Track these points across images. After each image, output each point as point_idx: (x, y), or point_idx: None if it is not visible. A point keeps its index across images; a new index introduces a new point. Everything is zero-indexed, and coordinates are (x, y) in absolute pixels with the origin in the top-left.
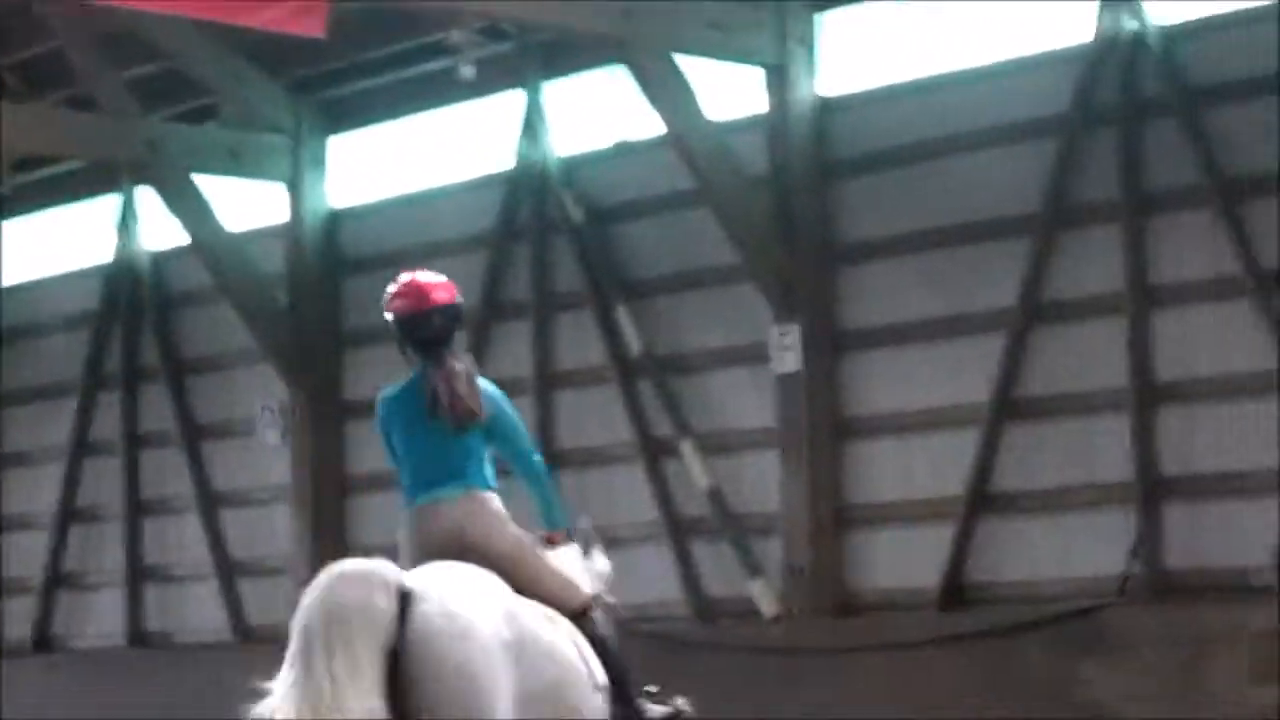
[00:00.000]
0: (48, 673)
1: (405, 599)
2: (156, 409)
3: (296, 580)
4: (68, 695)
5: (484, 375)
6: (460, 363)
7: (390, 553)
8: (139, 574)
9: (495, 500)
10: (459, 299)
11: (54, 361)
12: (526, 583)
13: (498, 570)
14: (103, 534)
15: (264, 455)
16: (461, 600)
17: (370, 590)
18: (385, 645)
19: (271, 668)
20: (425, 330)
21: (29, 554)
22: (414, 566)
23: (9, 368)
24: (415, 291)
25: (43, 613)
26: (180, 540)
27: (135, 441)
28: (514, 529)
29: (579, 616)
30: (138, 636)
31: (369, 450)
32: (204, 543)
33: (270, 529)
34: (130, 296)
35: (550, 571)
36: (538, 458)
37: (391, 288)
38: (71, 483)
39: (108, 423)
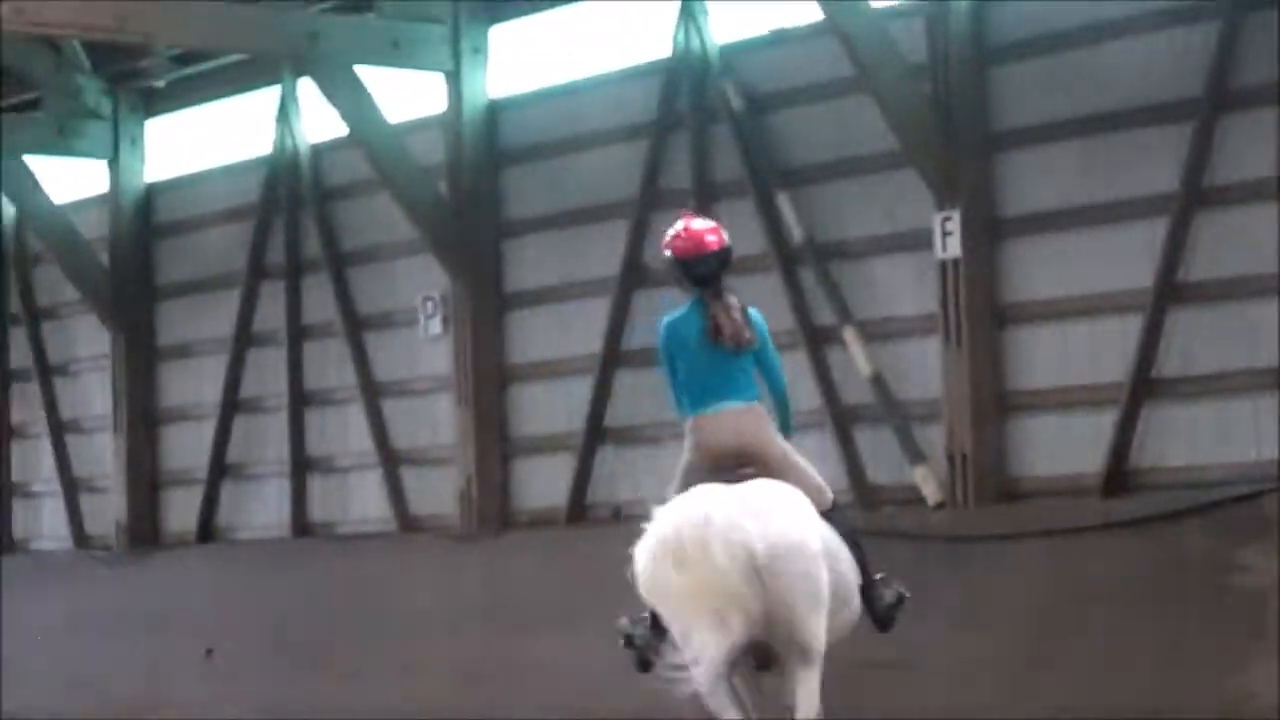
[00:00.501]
0: (212, 563)
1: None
2: (318, 300)
3: (459, 470)
4: (232, 586)
5: (645, 266)
6: (734, 296)
7: (546, 441)
8: (302, 465)
9: (765, 413)
10: (729, 242)
11: (215, 254)
12: (792, 483)
13: (770, 471)
14: (266, 425)
15: (425, 346)
16: (784, 510)
17: (732, 512)
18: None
19: (432, 557)
20: (703, 269)
21: (193, 446)
22: (699, 466)
23: (171, 261)
24: (695, 236)
25: (207, 504)
26: (343, 431)
27: (298, 333)
28: (780, 438)
29: (828, 513)
30: (301, 527)
31: (529, 341)
32: (366, 433)
33: (431, 419)
34: (291, 189)
35: (808, 474)
36: (785, 378)
37: (671, 231)
38: (235, 375)
39: (270, 314)
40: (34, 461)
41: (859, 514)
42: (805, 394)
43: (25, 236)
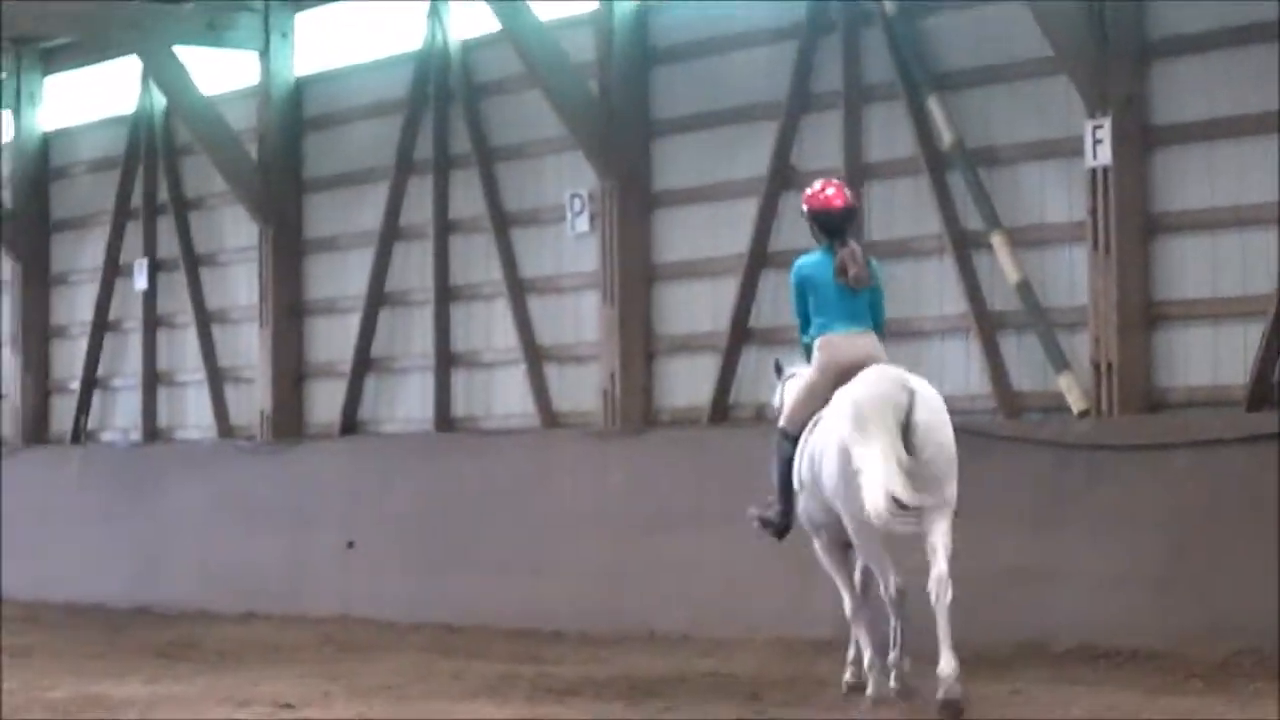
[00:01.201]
0: (354, 456)
1: (911, 393)
2: (466, 195)
3: (603, 368)
4: (373, 479)
5: (793, 168)
6: (858, 246)
7: (691, 340)
8: (446, 360)
9: (878, 338)
10: (854, 202)
11: (364, 148)
12: None
13: None
14: (411, 320)
15: (572, 243)
16: (931, 391)
17: (898, 388)
18: (902, 420)
19: (574, 454)
20: (835, 223)
21: (338, 339)
22: (830, 374)
23: (319, 154)
24: (828, 198)
25: (351, 397)
26: (487, 326)
27: (445, 227)
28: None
29: None
30: (444, 422)
31: (675, 240)
32: (511, 329)
33: (576, 317)
34: (440, 84)
35: None
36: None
37: (808, 191)
38: (381, 268)
39: (418, 209)
40: (180, 352)
41: (1003, 421)
42: (951, 300)
43: (175, 128)
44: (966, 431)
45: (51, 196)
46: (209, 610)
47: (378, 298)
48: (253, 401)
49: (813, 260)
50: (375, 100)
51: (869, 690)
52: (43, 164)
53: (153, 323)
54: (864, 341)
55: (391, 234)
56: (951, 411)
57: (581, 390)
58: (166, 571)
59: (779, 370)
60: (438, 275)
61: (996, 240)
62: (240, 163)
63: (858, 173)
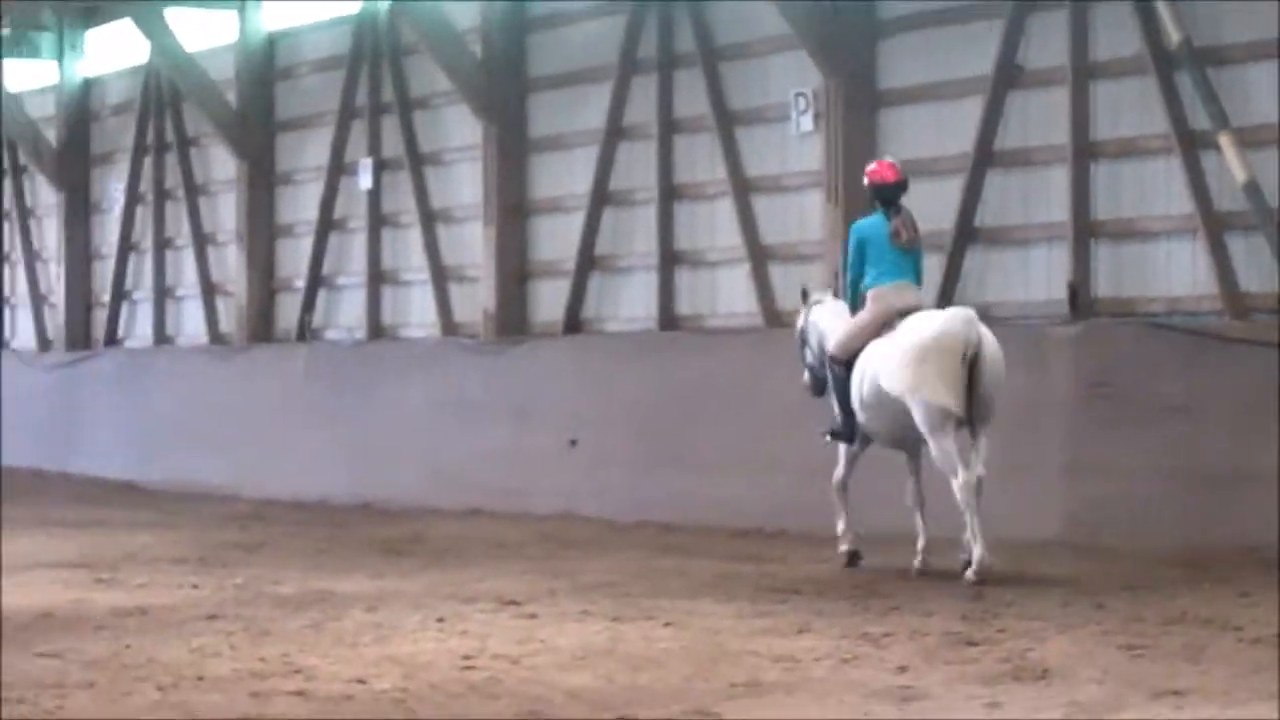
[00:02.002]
0: (577, 354)
1: (979, 334)
2: (690, 94)
3: (828, 267)
4: (596, 377)
5: (1019, 67)
6: (908, 212)
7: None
8: (670, 258)
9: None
10: (905, 176)
11: (588, 47)
12: None
13: None
14: (634, 218)
15: (796, 142)
16: (990, 333)
17: (970, 326)
18: (969, 355)
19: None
20: (890, 194)
21: (561, 237)
22: (879, 318)
23: (543, 53)
24: (884, 173)
25: (575, 296)
26: (711, 225)
27: (669, 127)
28: None
29: None
30: (668, 320)
31: (900, 139)
32: (735, 228)
33: (800, 216)
34: None
35: None
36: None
37: (869, 167)
38: (605, 167)
39: (641, 108)
40: (404, 250)
41: (1229, 321)
42: (1177, 200)
43: (399, 27)
44: (1192, 333)
45: (277, 97)
46: (432, 507)
47: (601, 197)
48: (476, 300)
49: (871, 223)
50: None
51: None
52: (268, 64)
53: (377, 221)
54: (910, 293)
55: (615, 133)
56: (1179, 313)
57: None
58: (390, 469)
59: (805, 296)
60: (661, 174)
61: (1224, 140)
62: (464, 62)
63: (1083, 71)
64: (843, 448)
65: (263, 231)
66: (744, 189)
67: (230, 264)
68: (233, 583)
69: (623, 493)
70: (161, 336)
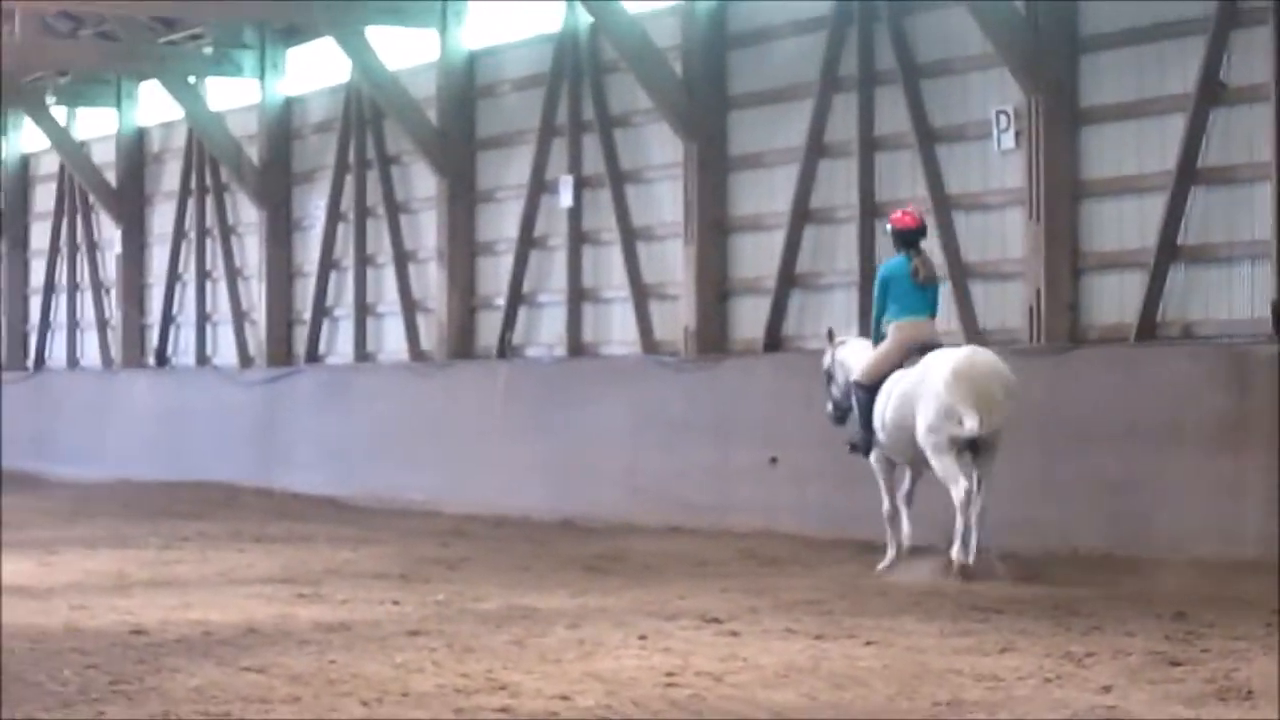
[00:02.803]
0: (777, 372)
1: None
2: (890, 112)
3: (1029, 285)
4: (796, 394)
5: (1222, 84)
6: (925, 254)
7: (1118, 257)
8: (870, 276)
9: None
10: (924, 222)
11: (788, 64)
12: None
13: None
14: (835, 236)
15: (997, 160)
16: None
17: (996, 369)
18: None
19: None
20: (911, 238)
21: (762, 255)
22: (895, 351)
23: (744, 71)
24: (906, 220)
25: (775, 313)
26: None
27: (870, 144)
28: None
29: None
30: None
31: (1102, 156)
32: (936, 246)
33: (1001, 234)
34: (865, 1)
35: None
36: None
37: (893, 215)
38: (806, 184)
39: (842, 125)
40: (605, 268)
41: None
42: None
43: (600, 45)
44: None
45: (477, 114)
46: (633, 523)
47: (802, 214)
48: (676, 317)
49: (894, 263)
50: (801, 17)
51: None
52: (469, 82)
53: (577, 239)
54: (926, 327)
55: (816, 150)
56: None
57: (1006, 306)
58: (591, 485)
59: (831, 337)
60: (862, 192)
61: None
62: (665, 79)
63: None
64: (881, 481)
65: (463, 249)
66: (945, 206)
67: (431, 281)
68: (435, 599)
69: (822, 510)
70: (362, 353)
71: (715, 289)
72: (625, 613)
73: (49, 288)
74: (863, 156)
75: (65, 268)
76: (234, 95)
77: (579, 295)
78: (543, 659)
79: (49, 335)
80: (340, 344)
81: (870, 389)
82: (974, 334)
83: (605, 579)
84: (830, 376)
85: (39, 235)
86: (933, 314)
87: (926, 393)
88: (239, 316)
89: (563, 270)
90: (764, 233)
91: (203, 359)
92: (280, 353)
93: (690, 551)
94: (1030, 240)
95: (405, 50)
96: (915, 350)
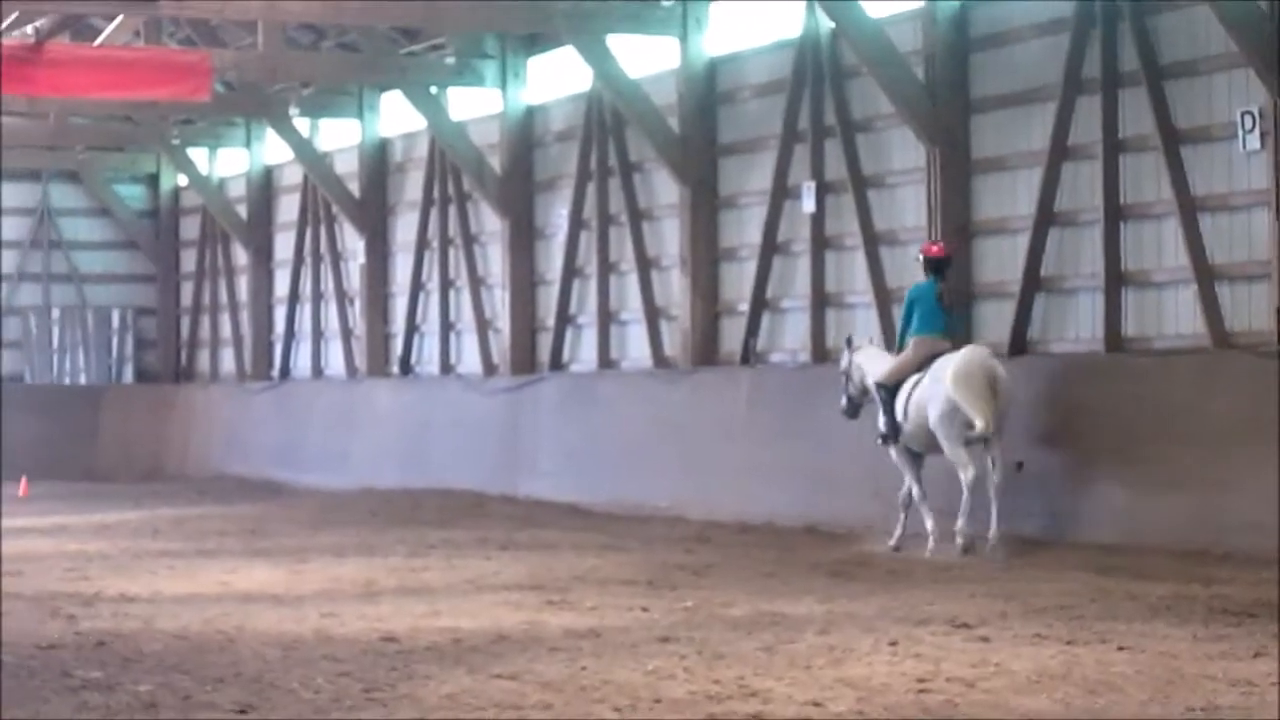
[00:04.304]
0: (1024, 375)
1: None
2: (1135, 113)
3: (1276, 288)
4: (1041, 398)
5: None
6: (948, 281)
7: None
8: (1116, 279)
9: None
10: (950, 253)
11: (1031, 67)
12: None
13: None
14: (1080, 239)
15: (1243, 161)
16: (1002, 366)
17: (993, 367)
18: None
19: (1243, 375)
20: (940, 265)
21: (1005, 258)
22: (918, 358)
23: (987, 74)
24: (938, 249)
25: (1020, 317)
26: (1158, 245)
27: (1114, 146)
28: None
29: None
30: (1114, 341)
31: None
32: (1181, 248)
33: (1248, 235)
34: (1106, 1)
35: None
36: None
37: (924, 244)
38: (1050, 188)
39: (1086, 127)
40: (848, 273)
41: None
42: None
43: (841, 50)
44: None
45: (719, 121)
46: (876, 528)
47: (1046, 217)
48: None
49: (923, 286)
50: (1043, 19)
51: (930, 544)
52: (710, 89)
53: (820, 244)
54: (942, 343)
55: (1060, 153)
56: None
57: (1253, 310)
58: (834, 491)
59: (849, 343)
60: (1107, 194)
61: None
62: (907, 84)
63: None
64: (906, 470)
65: (706, 255)
66: (1190, 208)
67: (674, 288)
68: (683, 605)
69: (1066, 514)
70: (606, 360)
71: (960, 293)
72: (874, 618)
73: (293, 298)
74: (1107, 159)
75: (309, 277)
76: (476, 105)
77: (822, 301)
78: (793, 665)
79: (294, 345)
80: (584, 351)
81: (891, 390)
82: (1220, 337)
83: (851, 584)
84: (848, 377)
85: (283, 246)
86: (948, 331)
87: (936, 393)
88: (482, 325)
89: (806, 276)
90: (1008, 236)
91: (446, 367)
92: (524, 360)
93: (934, 557)
94: (1276, 241)
95: (646, 57)
96: (930, 361)
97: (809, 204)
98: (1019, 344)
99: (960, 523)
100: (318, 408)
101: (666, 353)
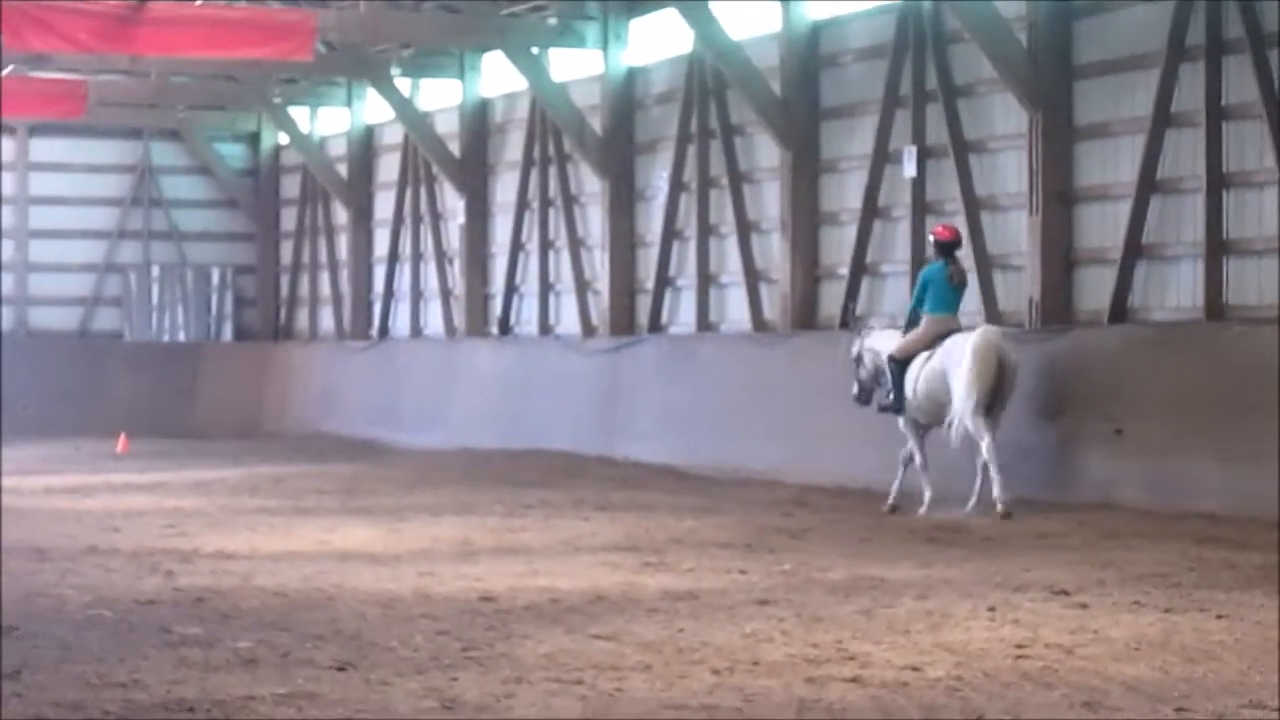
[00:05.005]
0: (1123, 343)
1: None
2: (1239, 81)
3: None
4: (1141, 366)
5: None
6: (960, 261)
7: None
8: (1218, 247)
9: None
10: (960, 236)
11: (1134, 33)
12: None
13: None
14: (1182, 206)
15: None
16: (1010, 344)
17: (1003, 345)
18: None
19: None
20: (949, 248)
21: (1108, 226)
22: (930, 335)
23: (1089, 40)
24: (948, 232)
25: (1120, 284)
26: (1259, 214)
27: (1217, 114)
28: None
29: None
30: (1215, 309)
31: None
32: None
33: None
34: None
35: None
36: None
37: (936, 228)
38: (1152, 155)
39: (1190, 94)
40: None
41: None
42: None
43: (943, 15)
44: None
45: (821, 84)
46: (974, 495)
47: (1149, 184)
48: (1021, 288)
49: (934, 268)
50: None
51: (924, 505)
52: (812, 53)
53: (921, 209)
54: (953, 321)
55: (1162, 120)
56: None
57: None
58: (931, 455)
59: (859, 330)
60: (1209, 162)
61: None
62: (1010, 49)
63: None
64: (911, 439)
65: (806, 219)
66: None
67: (774, 251)
68: (781, 568)
69: (1164, 483)
70: (704, 323)
71: (1060, 259)
72: (971, 584)
73: (393, 257)
74: (1210, 126)
75: (409, 237)
76: (577, 66)
77: (921, 265)
78: (891, 629)
79: (392, 304)
80: (682, 314)
81: (903, 363)
82: None
83: (948, 550)
84: (859, 362)
85: (383, 205)
86: (958, 308)
87: (955, 368)
88: (581, 286)
89: (906, 241)
90: (1110, 203)
91: (545, 328)
92: (623, 322)
93: (1030, 523)
94: None
95: (748, 20)
96: (941, 338)
97: (910, 169)
98: (1119, 311)
99: (997, 491)
100: (416, 367)
101: (765, 316)
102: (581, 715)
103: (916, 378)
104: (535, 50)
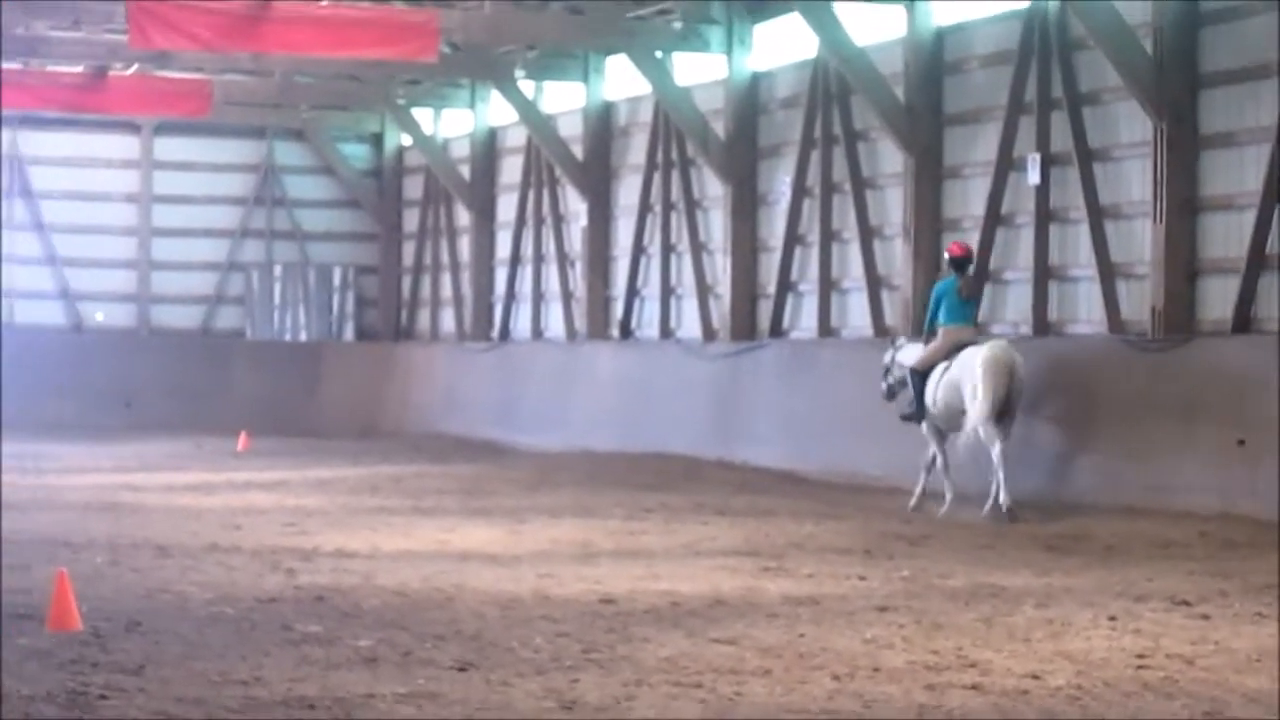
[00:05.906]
0: (1248, 353)
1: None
2: None
3: None
4: (1265, 378)
5: None
6: (970, 275)
7: None
8: None
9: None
10: (972, 251)
11: (1261, 42)
12: None
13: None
14: None
15: None
16: (1020, 357)
17: (1013, 358)
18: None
19: None
20: (961, 263)
21: (1232, 235)
22: (946, 347)
23: (1214, 48)
24: (958, 249)
25: (1244, 294)
26: None
27: None
28: None
29: None
30: None
31: None
32: None
33: None
34: None
35: None
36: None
37: (949, 244)
38: (1276, 164)
39: None
40: (1072, 246)
41: None
42: None
43: (1069, 22)
44: None
45: (945, 90)
46: (1093, 503)
47: (1274, 194)
48: (1144, 297)
49: (947, 282)
50: None
51: (945, 506)
52: (936, 59)
53: (1044, 217)
54: (966, 331)
55: None
56: None
57: None
58: (1048, 464)
59: (893, 342)
60: None
61: None
62: (1135, 57)
63: None
64: (933, 443)
65: (929, 225)
66: None
67: (896, 257)
68: (900, 575)
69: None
70: (826, 329)
71: (1184, 268)
72: (1092, 593)
73: (514, 259)
74: None
75: (531, 239)
76: (701, 70)
77: (1045, 273)
78: (1011, 637)
79: (514, 306)
80: (804, 319)
81: (923, 374)
82: None
83: (1068, 558)
84: (888, 370)
85: (505, 207)
86: (972, 321)
87: (969, 379)
88: (703, 290)
89: (1029, 248)
90: (1235, 212)
91: (666, 332)
92: (744, 326)
93: (1151, 532)
94: None
95: (872, 26)
96: (957, 348)
97: (1034, 176)
98: (1242, 321)
99: (1002, 494)
100: (537, 369)
101: (888, 322)
102: (701, 718)
103: (936, 387)
104: (659, 54)
